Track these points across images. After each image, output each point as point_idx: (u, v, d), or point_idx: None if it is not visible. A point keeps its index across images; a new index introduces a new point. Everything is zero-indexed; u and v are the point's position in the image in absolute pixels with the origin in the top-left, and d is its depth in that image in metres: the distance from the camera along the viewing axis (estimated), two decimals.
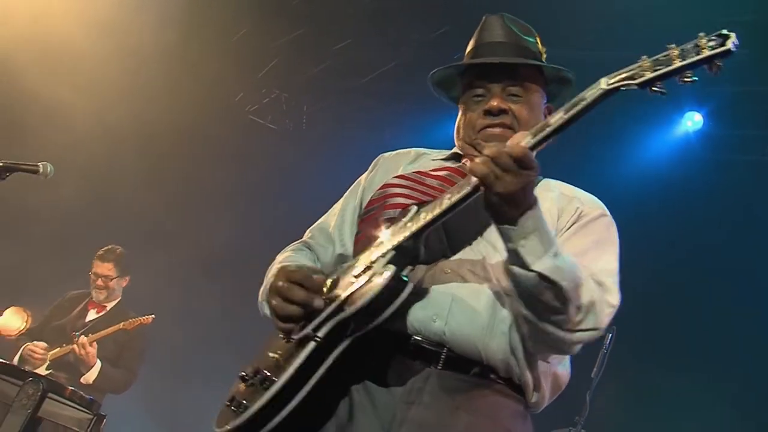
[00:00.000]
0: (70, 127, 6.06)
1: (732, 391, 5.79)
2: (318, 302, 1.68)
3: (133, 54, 6.11)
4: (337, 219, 2.08)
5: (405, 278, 1.69)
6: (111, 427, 4.20)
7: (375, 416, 1.73)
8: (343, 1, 6.27)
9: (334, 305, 1.68)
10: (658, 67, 1.50)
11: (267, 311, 1.82)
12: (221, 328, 6.88)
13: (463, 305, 1.77)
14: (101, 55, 5.98)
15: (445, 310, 1.76)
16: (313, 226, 2.14)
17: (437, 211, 1.69)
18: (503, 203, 1.59)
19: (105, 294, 5.34)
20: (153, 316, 5.22)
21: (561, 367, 1.90)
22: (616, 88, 1.55)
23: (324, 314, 1.68)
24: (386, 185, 1.96)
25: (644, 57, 1.53)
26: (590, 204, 1.95)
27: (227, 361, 5.86)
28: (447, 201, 1.69)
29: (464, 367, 1.76)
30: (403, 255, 1.72)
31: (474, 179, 1.61)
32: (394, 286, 1.65)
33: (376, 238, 1.81)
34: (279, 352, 1.73)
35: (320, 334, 1.66)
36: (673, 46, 1.50)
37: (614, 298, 1.78)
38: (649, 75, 1.51)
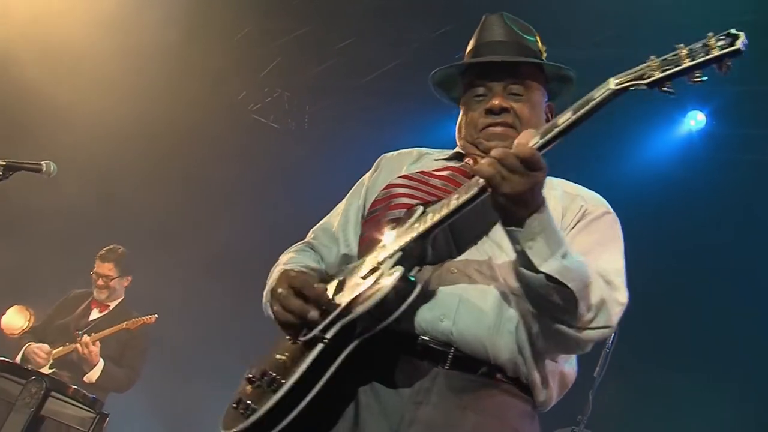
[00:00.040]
0: (72, 127, 6.06)
1: (734, 390, 5.79)
2: (312, 314, 1.67)
3: (135, 53, 6.11)
4: (341, 219, 2.08)
5: (413, 279, 1.69)
6: (114, 425, 4.21)
7: (382, 417, 1.73)
8: (345, 1, 6.26)
9: (341, 307, 1.67)
10: (667, 67, 1.50)
11: (270, 313, 1.82)
12: (224, 328, 6.89)
13: (470, 305, 1.76)
14: (104, 55, 5.98)
15: (452, 311, 1.76)
16: (316, 226, 2.14)
17: (445, 211, 1.69)
18: (511, 204, 1.58)
19: (106, 293, 5.35)
20: (156, 315, 5.24)
21: (568, 365, 1.90)
22: (625, 88, 1.55)
23: (331, 316, 1.67)
24: (390, 185, 1.95)
25: (652, 57, 1.53)
26: (594, 202, 1.96)
27: (230, 361, 5.88)
28: (454, 202, 1.68)
29: (472, 366, 1.76)
30: (410, 256, 1.72)
31: (481, 180, 1.61)
32: (402, 287, 1.65)
33: (381, 239, 1.81)
34: (286, 353, 1.73)
35: (328, 335, 1.65)
36: (682, 45, 1.49)
37: (623, 295, 1.78)
38: (658, 75, 1.50)
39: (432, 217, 1.71)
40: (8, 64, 5.81)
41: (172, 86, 6.44)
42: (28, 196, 5.53)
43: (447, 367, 1.74)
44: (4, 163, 3.12)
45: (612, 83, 1.56)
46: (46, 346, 5.05)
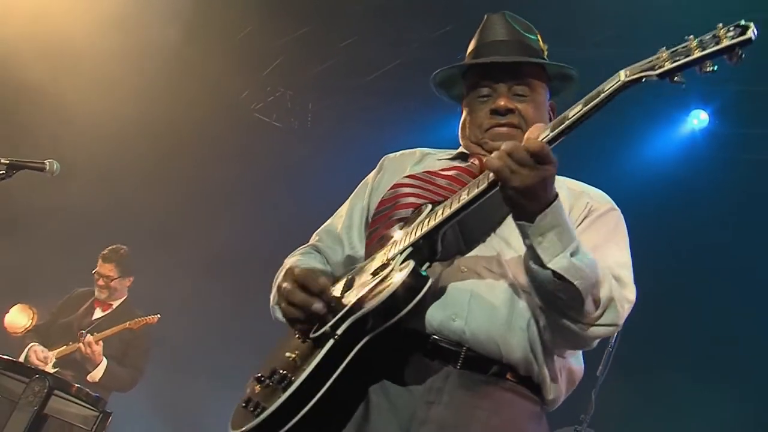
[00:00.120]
0: (74, 126, 6.07)
1: (737, 389, 5.78)
2: (317, 306, 1.67)
3: (137, 53, 6.11)
4: (345, 221, 2.08)
5: (425, 274, 1.68)
6: (116, 424, 4.21)
7: (393, 416, 1.73)
8: (346, 0, 6.27)
9: (352, 302, 1.67)
10: (678, 58, 1.50)
11: (279, 315, 1.82)
12: (227, 327, 6.89)
13: (482, 301, 1.77)
14: (105, 54, 5.98)
15: (464, 310, 1.76)
16: (320, 229, 2.14)
17: (455, 206, 1.69)
18: (521, 198, 1.59)
19: (107, 293, 5.36)
20: (158, 315, 5.24)
21: (575, 361, 1.91)
22: (636, 80, 1.55)
23: (342, 312, 1.66)
24: (397, 185, 1.96)
25: (662, 48, 1.53)
26: (599, 199, 1.97)
27: (231, 360, 5.89)
28: (465, 197, 1.69)
29: (483, 366, 1.76)
30: (420, 252, 1.72)
31: (491, 175, 1.61)
32: (413, 281, 1.64)
33: (390, 237, 1.81)
34: (296, 352, 1.72)
35: (339, 331, 1.65)
36: (691, 37, 1.50)
37: (631, 293, 1.79)
38: (669, 65, 1.51)
39: (442, 213, 1.72)
40: (10, 63, 5.81)
41: (174, 85, 6.44)
42: (32, 195, 5.54)
43: (458, 367, 1.74)
44: (8, 161, 3.12)
45: (622, 75, 1.56)
46: (48, 354, 5.05)
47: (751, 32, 1.44)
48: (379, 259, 1.77)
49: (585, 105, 1.58)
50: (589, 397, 4.71)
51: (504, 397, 1.77)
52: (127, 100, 6.21)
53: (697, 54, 1.48)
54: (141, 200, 6.73)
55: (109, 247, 5.43)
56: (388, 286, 1.63)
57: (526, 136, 1.62)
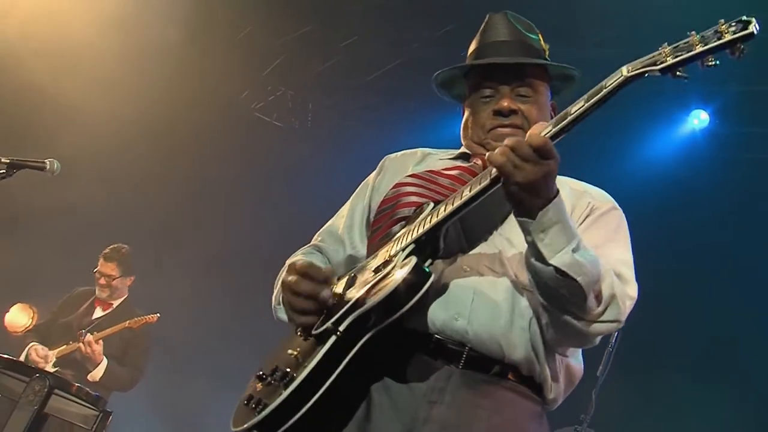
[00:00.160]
0: (75, 126, 6.06)
1: (737, 389, 5.79)
2: (325, 293, 1.67)
3: (137, 52, 6.12)
4: (346, 221, 2.08)
5: (427, 270, 1.68)
6: (117, 423, 4.21)
7: (395, 415, 1.73)
8: (347, 0, 6.27)
9: (354, 299, 1.67)
10: (679, 53, 1.51)
11: (282, 315, 1.82)
12: (227, 327, 6.90)
13: (485, 303, 1.77)
14: (106, 54, 5.98)
15: (467, 309, 1.76)
16: (322, 229, 2.14)
17: (458, 203, 1.70)
18: (523, 193, 1.59)
19: (108, 292, 5.36)
20: (158, 315, 5.24)
21: (574, 360, 1.91)
22: (638, 75, 1.55)
23: (344, 308, 1.66)
24: (399, 184, 1.96)
25: (665, 44, 1.54)
26: (601, 198, 1.97)
27: (231, 359, 5.90)
28: (467, 193, 1.69)
29: (485, 366, 1.76)
30: (423, 249, 1.72)
31: (494, 171, 1.61)
32: (416, 277, 1.64)
33: (392, 235, 1.81)
34: (298, 349, 1.72)
35: (341, 328, 1.65)
36: (693, 32, 1.50)
37: (633, 289, 1.80)
38: (671, 60, 1.51)
39: (445, 209, 1.72)
40: (10, 63, 5.81)
41: (175, 85, 6.44)
42: (32, 195, 5.54)
43: (461, 367, 1.75)
44: (8, 161, 3.12)
45: (625, 70, 1.57)
46: (49, 354, 5.06)
47: (753, 27, 1.44)
48: (381, 256, 1.77)
49: (587, 101, 1.59)
50: (589, 397, 4.71)
51: (505, 396, 1.77)
52: (127, 100, 6.21)
53: (699, 49, 1.48)
54: (141, 200, 6.73)
55: (111, 246, 5.43)
56: (390, 282, 1.63)
57: (528, 132, 1.62)
